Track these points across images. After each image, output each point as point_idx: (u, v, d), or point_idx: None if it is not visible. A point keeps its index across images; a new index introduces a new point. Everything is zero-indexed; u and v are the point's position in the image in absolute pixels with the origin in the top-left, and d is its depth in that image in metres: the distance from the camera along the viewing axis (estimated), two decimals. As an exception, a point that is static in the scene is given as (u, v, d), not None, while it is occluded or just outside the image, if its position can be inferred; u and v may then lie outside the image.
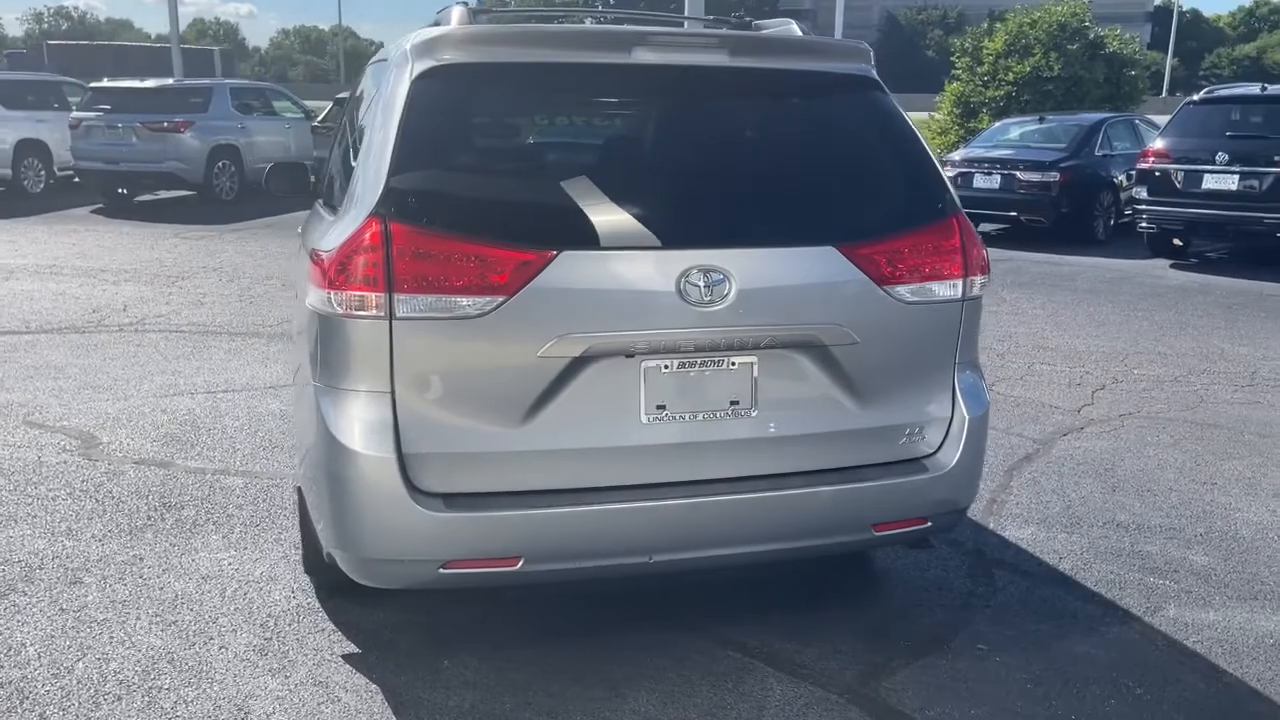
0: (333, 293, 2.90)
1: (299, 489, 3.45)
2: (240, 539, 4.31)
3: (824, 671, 3.36)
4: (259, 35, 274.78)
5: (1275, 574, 4.14)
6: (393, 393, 2.90)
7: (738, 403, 3.10)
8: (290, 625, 3.60)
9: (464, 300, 2.86)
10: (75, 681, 3.23)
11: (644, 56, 3.08)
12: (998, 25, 20.02)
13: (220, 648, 3.45)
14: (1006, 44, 19.60)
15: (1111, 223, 13.38)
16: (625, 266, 2.95)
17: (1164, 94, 54.21)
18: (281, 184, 6.15)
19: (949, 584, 4.01)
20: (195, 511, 4.59)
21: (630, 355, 2.99)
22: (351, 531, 2.96)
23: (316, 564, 3.56)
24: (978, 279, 3.28)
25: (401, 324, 2.86)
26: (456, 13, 3.25)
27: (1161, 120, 13.35)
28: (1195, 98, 11.86)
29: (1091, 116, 14.59)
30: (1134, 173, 12.16)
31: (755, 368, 3.09)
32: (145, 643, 3.47)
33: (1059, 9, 19.40)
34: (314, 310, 3.03)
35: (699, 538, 3.08)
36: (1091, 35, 19.32)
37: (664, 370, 3.03)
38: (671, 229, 3.01)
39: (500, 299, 2.87)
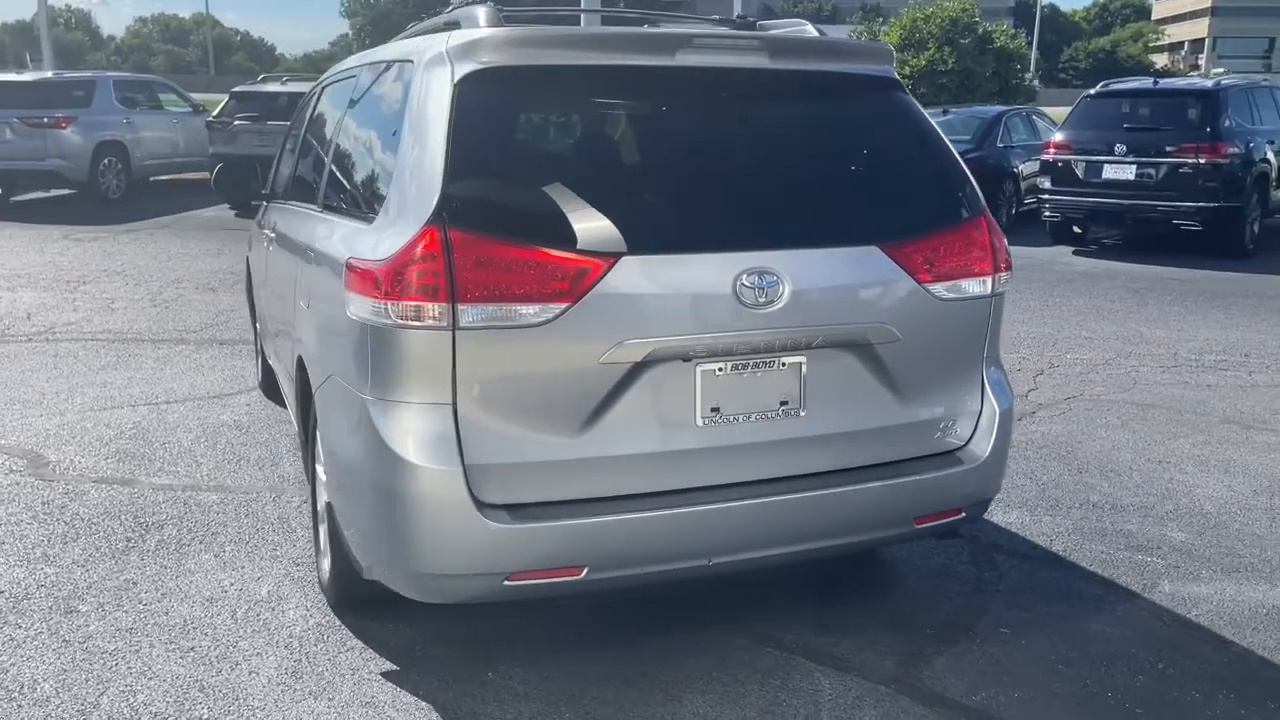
0: (389, 303, 2.82)
1: (328, 506, 3.34)
2: (234, 558, 4.15)
3: (865, 664, 3.42)
4: (114, 23, 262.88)
5: (1247, 547, 4.38)
6: (454, 404, 2.84)
7: (787, 403, 3.13)
8: (316, 645, 3.48)
9: (527, 308, 2.81)
10: (105, 718, 3.07)
11: (687, 59, 3.08)
12: (892, 20, 20.57)
13: (250, 672, 3.32)
14: (902, 38, 20.16)
15: (1014, 211, 13.90)
16: (683, 270, 2.95)
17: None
18: (229, 185, 5.93)
19: (955, 570, 4.13)
20: (176, 531, 4.40)
21: (687, 359, 2.99)
22: (413, 547, 2.88)
23: (346, 583, 3.45)
24: (1004, 275, 3.38)
25: (465, 334, 2.80)
26: (483, 13, 3.18)
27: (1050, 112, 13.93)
28: (1092, 92, 12.40)
29: (992, 109, 15.13)
30: (1036, 163, 12.66)
31: (804, 367, 3.12)
32: (167, 671, 3.31)
33: (949, 4, 20.04)
34: (361, 321, 2.94)
35: (756, 539, 3.10)
36: (980, 30, 20.02)
37: (718, 373, 3.04)
38: (725, 231, 3.02)
39: (563, 306, 2.83)
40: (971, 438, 3.41)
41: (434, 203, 2.82)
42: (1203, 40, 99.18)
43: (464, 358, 2.81)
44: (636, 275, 2.89)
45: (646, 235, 2.93)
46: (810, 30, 3.61)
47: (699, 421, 3.04)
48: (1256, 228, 11.80)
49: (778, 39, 3.27)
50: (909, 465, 3.30)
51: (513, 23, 3.14)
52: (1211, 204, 11.11)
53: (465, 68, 2.97)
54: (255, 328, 6.72)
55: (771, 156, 3.20)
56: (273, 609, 3.74)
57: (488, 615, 3.65)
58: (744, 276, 2.97)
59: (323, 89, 4.80)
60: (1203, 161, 11.09)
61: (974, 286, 3.31)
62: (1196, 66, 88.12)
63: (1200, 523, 4.63)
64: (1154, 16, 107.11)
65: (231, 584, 3.93)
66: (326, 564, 3.74)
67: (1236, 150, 11.23)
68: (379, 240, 2.97)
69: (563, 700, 3.18)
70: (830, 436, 3.19)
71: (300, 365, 3.86)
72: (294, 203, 4.64)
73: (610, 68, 3.05)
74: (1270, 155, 11.84)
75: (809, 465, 3.18)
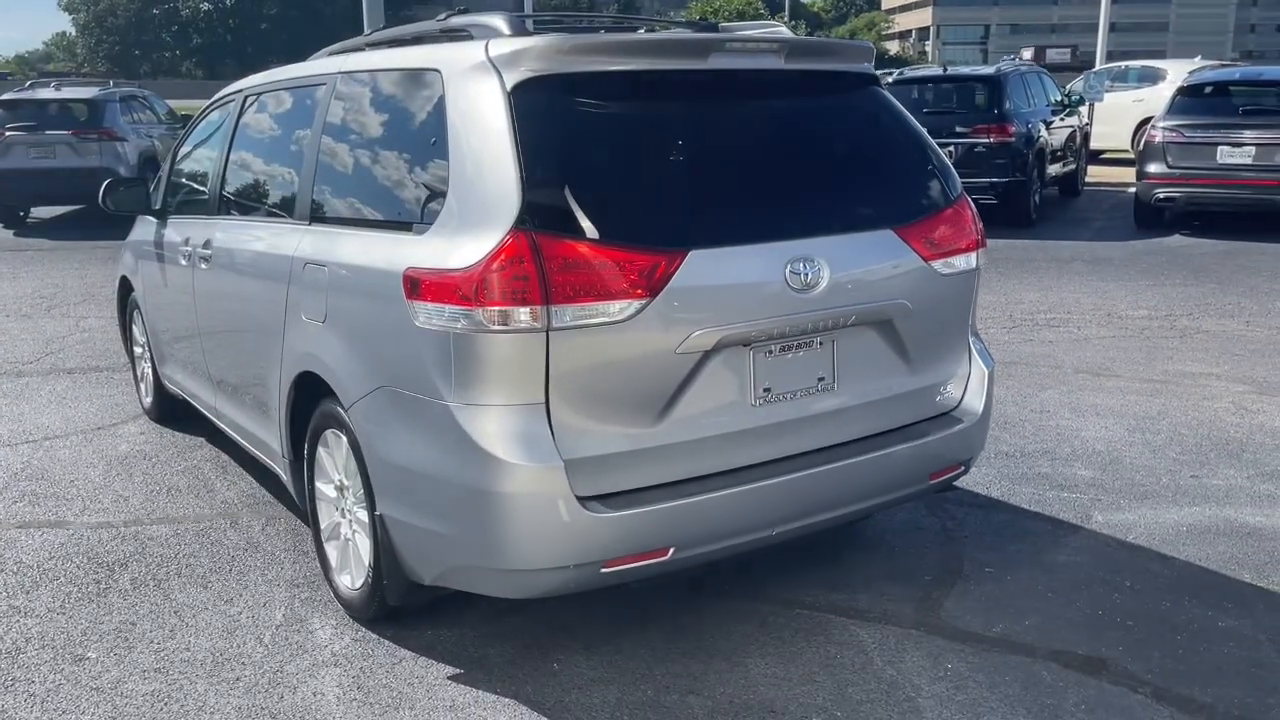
0: (477, 309, 2.87)
1: (378, 518, 3.32)
2: (225, 588, 4.01)
3: (887, 613, 3.74)
4: None
5: (1144, 477, 5.01)
6: (547, 402, 2.93)
7: (823, 379, 3.39)
8: (367, 660, 3.46)
9: (613, 306, 2.94)
10: (187, 757, 2.97)
11: (717, 62, 3.27)
12: (683, 11, 21.20)
13: (314, 694, 3.27)
14: (688, 31, 20.84)
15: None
16: (741, 261, 3.15)
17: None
18: (122, 202, 5.62)
19: (921, 523, 4.53)
20: (145, 568, 4.20)
21: (747, 344, 3.19)
22: (513, 546, 2.95)
23: (387, 594, 3.44)
24: (984, 250, 3.77)
25: (557, 334, 2.89)
26: (506, 22, 3.27)
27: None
28: (890, 80, 13.35)
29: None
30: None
31: (835, 345, 3.39)
32: (226, 705, 3.22)
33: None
34: (437, 330, 2.97)
35: (811, 507, 3.35)
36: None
37: (768, 356, 3.26)
38: (772, 222, 3.24)
39: (644, 300, 2.97)
40: (963, 398, 3.79)
41: (515, 209, 2.89)
42: (928, 28, 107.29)
43: (556, 357, 2.91)
44: (703, 268, 3.06)
45: (707, 230, 3.11)
46: (786, 32, 3.88)
47: (753, 402, 3.25)
48: (1038, 199, 13.07)
49: (791, 41, 3.51)
50: (921, 427, 3.63)
51: (540, 30, 3.24)
52: (1003, 179, 12.24)
53: (515, 75, 3.05)
54: (136, 352, 6.36)
55: (794, 150, 3.44)
56: (298, 631, 3.67)
57: (524, 612, 3.72)
58: (792, 264, 3.20)
59: (257, 98, 4.64)
60: (993, 140, 12.20)
61: (964, 262, 3.67)
62: (924, 53, 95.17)
63: (1099, 460, 5.24)
64: (884, 6, 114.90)
65: (240, 613, 3.81)
66: (348, 579, 3.70)
67: (1020, 130, 12.41)
68: (448, 249, 3.00)
69: (638, 679, 3.32)
70: (858, 407, 3.47)
71: (299, 382, 3.78)
72: (244, 218, 4.49)
73: (651, 72, 3.20)
74: (1045, 133, 13.15)
75: (844, 434, 3.45)
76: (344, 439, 3.53)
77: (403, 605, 3.48)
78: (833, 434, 3.43)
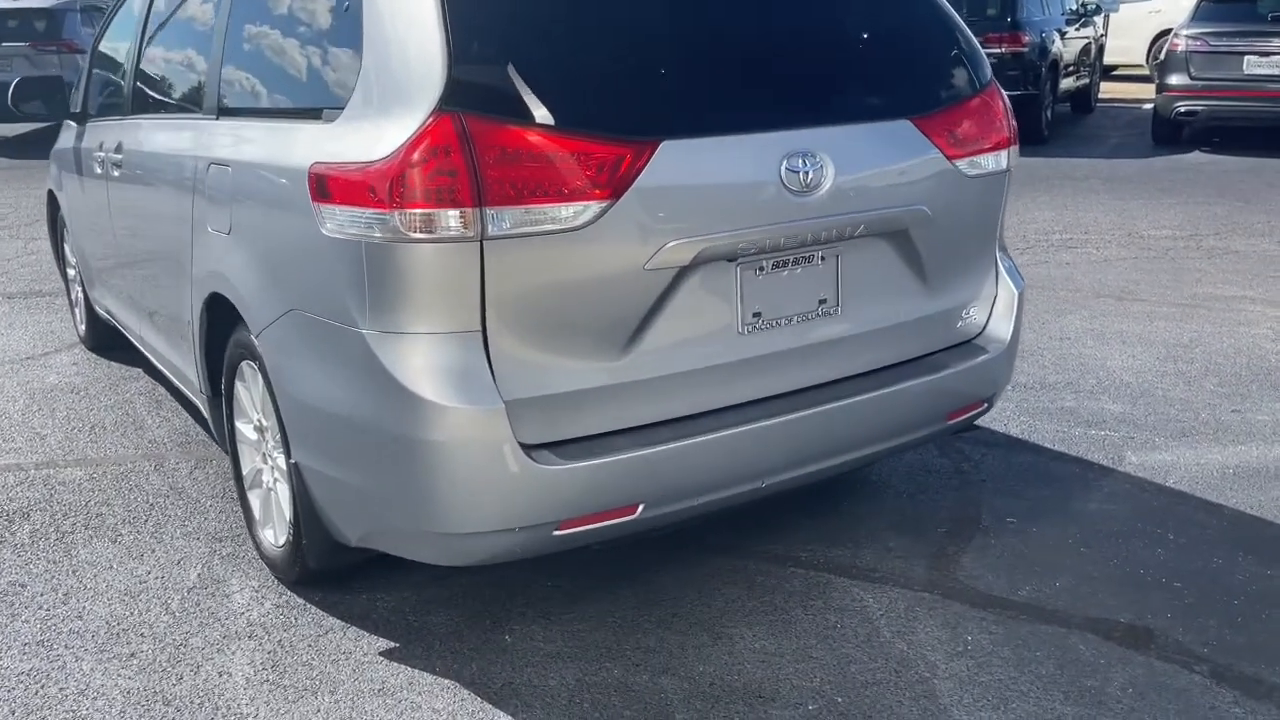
0: (394, 213, 2.30)
1: (294, 467, 2.79)
2: (137, 543, 3.50)
3: (895, 571, 3.23)
4: None
5: (1180, 412, 4.48)
6: (484, 330, 2.37)
7: (825, 300, 2.83)
8: (287, 631, 2.96)
9: (565, 209, 2.36)
10: (56, 756, 2.47)
11: None
12: None
13: (219, 673, 2.77)
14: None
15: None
16: (726, 155, 2.57)
17: None
18: (33, 101, 4.99)
19: (932, 464, 4.00)
20: (49, 518, 3.68)
21: (732, 259, 2.63)
22: (444, 505, 2.42)
23: (311, 554, 2.92)
24: (1015, 149, 3.18)
25: (495, 245, 2.33)
26: None
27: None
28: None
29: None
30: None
31: (840, 261, 2.83)
32: (113, 687, 2.72)
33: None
34: (349, 239, 2.40)
35: (808, 453, 2.82)
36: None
37: (759, 274, 2.70)
38: (765, 109, 2.66)
39: (604, 202, 2.40)
40: (988, 324, 3.24)
41: (440, 84, 2.31)
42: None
43: (494, 274, 2.34)
44: (679, 163, 2.49)
45: (685, 116, 2.54)
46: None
47: (741, 329, 2.70)
48: (1050, 114, 12.37)
49: None
50: (939, 359, 3.09)
51: None
52: (1014, 92, 11.51)
53: None
54: (70, 275, 5.78)
55: (793, 22, 2.83)
56: (213, 595, 3.16)
57: (474, 571, 3.21)
58: (788, 160, 2.63)
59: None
60: (1005, 51, 11.45)
61: (993, 161, 3.09)
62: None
63: (1129, 393, 4.71)
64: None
65: (148, 573, 3.30)
66: (271, 535, 3.19)
67: (1034, 40, 11.66)
68: (359, 139, 2.42)
69: (602, 654, 2.82)
70: (867, 335, 2.92)
71: (210, 305, 3.22)
72: (154, 116, 3.88)
73: None
74: (1060, 44, 12.39)
75: (849, 368, 2.91)
76: (259, 372, 2.99)
77: (325, 569, 2.97)
78: (835, 367, 2.89)
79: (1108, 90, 16.77)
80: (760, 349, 2.73)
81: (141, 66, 4.13)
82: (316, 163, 2.50)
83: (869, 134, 2.81)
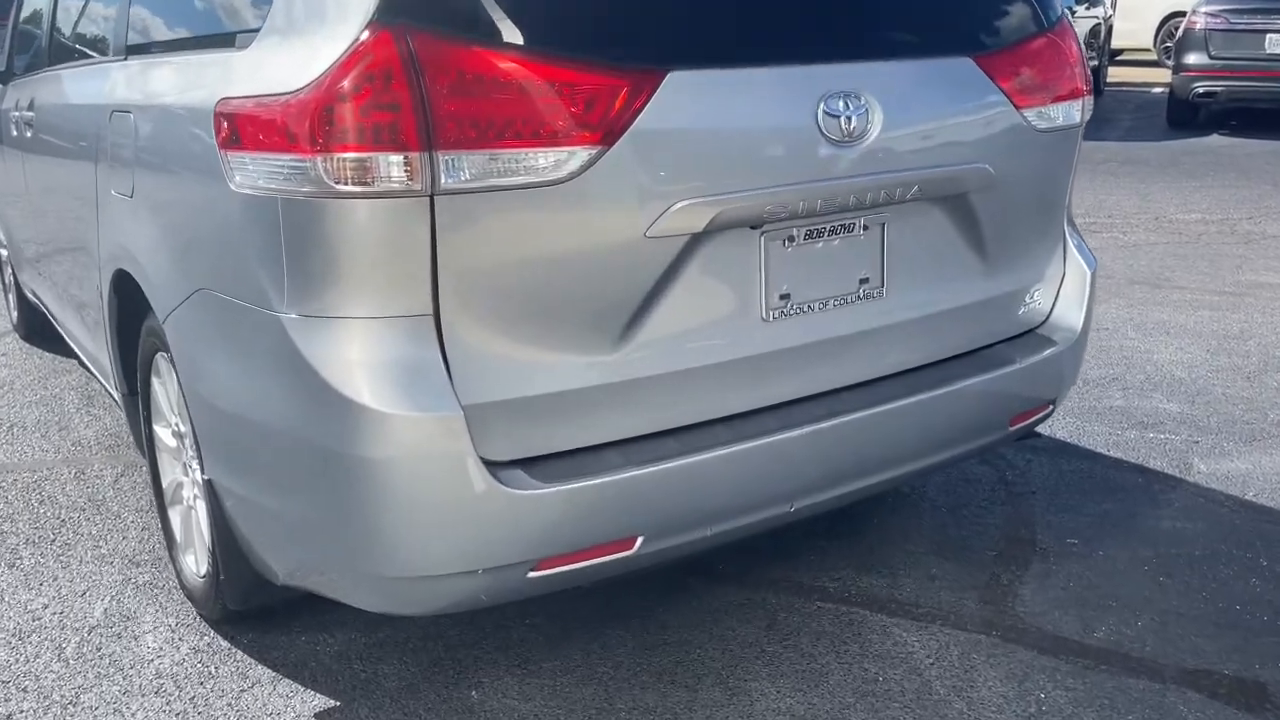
0: (318, 158, 1.74)
1: (207, 483, 2.25)
2: (38, 568, 2.95)
3: (941, 606, 2.69)
4: None
5: (1246, 412, 3.96)
6: (436, 313, 1.82)
7: (867, 280, 2.29)
8: (204, 686, 2.41)
9: (542, 155, 1.81)
10: None
11: None
12: None
13: (113, 743, 2.22)
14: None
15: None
16: (751, 92, 2.03)
17: None
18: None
19: (970, 473, 3.47)
20: (-59, 535, 3.13)
21: (756, 225, 2.08)
22: (385, 539, 1.87)
23: (235, 589, 2.38)
24: (1089, 100, 2.64)
25: (450, 201, 1.78)
26: None
27: None
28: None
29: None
30: None
31: (885, 231, 2.28)
32: (-22, 762, 2.17)
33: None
34: (262, 195, 1.85)
35: (846, 468, 2.28)
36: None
37: (788, 245, 2.15)
38: (797, 35, 2.11)
39: (593, 149, 1.85)
40: (1053, 309, 2.70)
41: None
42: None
43: (449, 239, 1.79)
44: (690, 100, 1.94)
45: (698, 40, 1.99)
46: None
47: (765, 315, 2.15)
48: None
49: None
50: (1000, 352, 2.55)
51: None
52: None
53: None
54: (2, 255, 5.21)
55: None
56: (119, 637, 2.61)
57: (438, 606, 2.66)
58: (826, 101, 2.08)
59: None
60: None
61: (1064, 113, 2.55)
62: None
63: (1183, 390, 4.18)
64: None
65: (45, 607, 2.75)
66: (192, 562, 2.64)
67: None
68: (275, 66, 1.87)
69: (592, 716, 2.28)
70: (916, 322, 2.38)
71: (118, 285, 2.67)
72: (68, 65, 3.31)
73: None
74: (1070, 21, 11.86)
75: (895, 363, 2.37)
76: (173, 366, 2.43)
77: (248, 610, 2.42)
78: (879, 363, 2.35)
79: (1115, 75, 16.25)
80: (788, 340, 2.19)
81: (58, 10, 3.56)
82: (224, 99, 1.95)
83: (924, 72, 2.27)
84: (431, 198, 1.76)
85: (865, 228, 2.25)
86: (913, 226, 2.33)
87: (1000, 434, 2.59)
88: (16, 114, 3.78)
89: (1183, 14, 13.43)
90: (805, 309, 2.20)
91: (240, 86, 1.93)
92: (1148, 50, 17.71)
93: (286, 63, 1.84)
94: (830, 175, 2.10)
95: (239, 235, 1.93)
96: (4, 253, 5.13)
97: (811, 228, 2.16)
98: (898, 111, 2.17)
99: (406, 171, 1.73)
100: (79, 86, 3.01)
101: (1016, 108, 2.40)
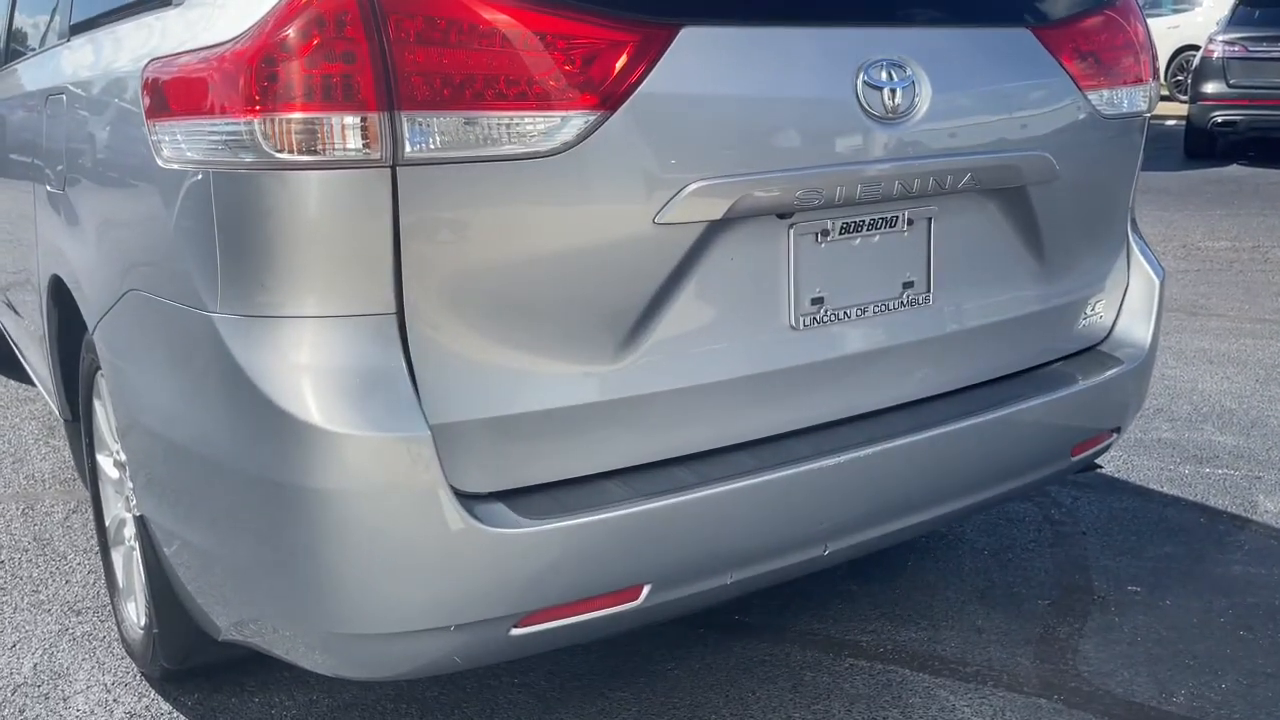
0: (257, 120, 1.43)
1: (139, 520, 1.92)
2: (-32, 613, 2.61)
3: (992, 664, 2.34)
4: None
5: (1306, 445, 3.63)
6: (400, 314, 1.50)
7: (912, 284, 1.97)
8: (137, 755, 2.06)
9: (529, 120, 1.50)
10: None
11: None
12: None
13: (21, 830, 1.87)
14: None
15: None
16: (779, 54, 1.72)
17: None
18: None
19: (1013, 512, 3.13)
20: None
21: (785, 214, 1.76)
22: (344, 588, 1.53)
23: (175, 644, 2.04)
24: (1156, 86, 2.33)
25: (416, 174, 1.46)
26: None
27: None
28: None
29: None
30: None
31: (932, 226, 1.97)
32: None
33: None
34: (191, 170, 1.53)
35: (888, 504, 1.94)
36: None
37: (821, 240, 1.83)
38: (833, -5, 1.80)
39: (591, 115, 1.54)
40: (1116, 322, 2.38)
41: None
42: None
43: (416, 221, 1.47)
44: (707, 61, 1.64)
45: None
46: None
47: (794, 322, 1.83)
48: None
49: None
50: (1061, 370, 2.23)
51: None
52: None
53: None
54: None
55: None
56: (46, 698, 2.27)
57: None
58: (867, 71, 1.77)
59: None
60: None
61: (1130, 99, 2.24)
62: None
63: (1237, 422, 3.85)
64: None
65: (-32, 660, 2.41)
66: (133, 611, 2.30)
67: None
68: (212, 16, 1.56)
69: (590, 799, 1.93)
70: (967, 334, 2.06)
71: (55, 294, 2.36)
72: (22, 59, 3.03)
73: None
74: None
75: (944, 381, 2.05)
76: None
77: (187, 668, 2.08)
78: (927, 381, 2.02)
79: (1126, 107, 16.04)
80: (822, 352, 1.86)
81: (16, 6, 3.28)
82: (152, 60, 1.64)
83: (977, 43, 1.96)
84: (394, 168, 1.44)
85: (910, 222, 1.93)
86: (962, 222, 2.01)
87: (1062, 464, 2.26)
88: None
89: (1195, 48, 13.26)
90: (841, 316, 1.88)
91: (170, 44, 1.63)
92: (1160, 84, 17.52)
93: (222, 12, 1.54)
94: (871, 158, 1.79)
95: (167, 222, 1.62)
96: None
97: (848, 220, 1.84)
98: (948, 86, 1.87)
99: (363, 136, 1.42)
100: (25, 78, 2.72)
101: (1080, 89, 2.09)
